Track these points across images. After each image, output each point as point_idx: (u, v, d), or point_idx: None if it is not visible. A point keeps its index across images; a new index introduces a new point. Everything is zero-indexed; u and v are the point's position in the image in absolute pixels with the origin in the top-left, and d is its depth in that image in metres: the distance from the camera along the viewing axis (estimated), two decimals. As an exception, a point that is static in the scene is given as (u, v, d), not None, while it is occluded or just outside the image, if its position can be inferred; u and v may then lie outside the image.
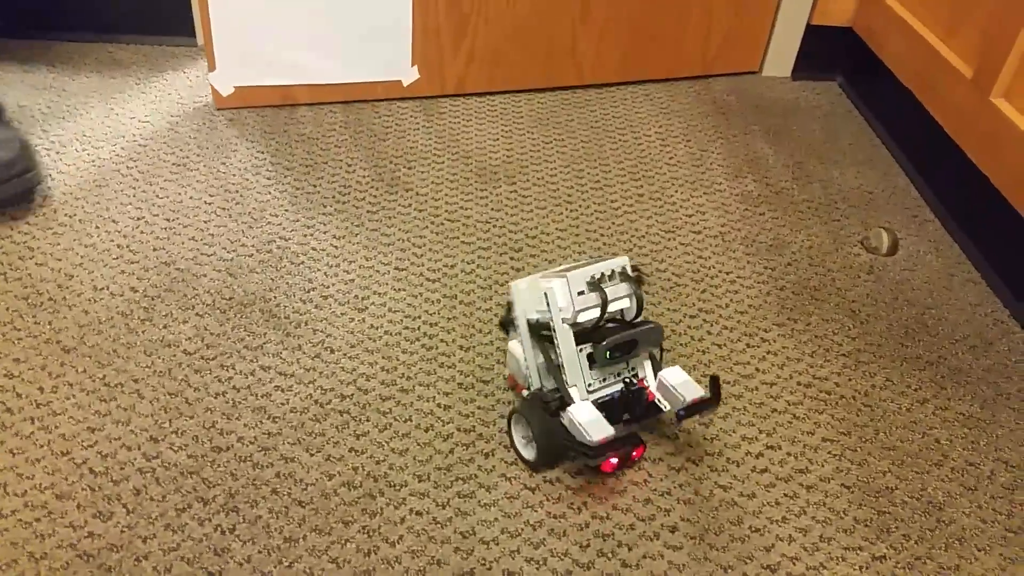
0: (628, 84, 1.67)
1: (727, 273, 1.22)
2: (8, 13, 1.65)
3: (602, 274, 0.87)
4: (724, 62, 1.72)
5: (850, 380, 1.06)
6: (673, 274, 1.21)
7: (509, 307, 0.97)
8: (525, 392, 0.93)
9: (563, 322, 0.85)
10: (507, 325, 0.96)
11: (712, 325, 1.13)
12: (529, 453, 0.90)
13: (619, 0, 1.52)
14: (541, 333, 0.89)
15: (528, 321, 0.88)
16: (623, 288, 0.88)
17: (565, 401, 0.87)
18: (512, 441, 0.92)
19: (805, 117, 1.63)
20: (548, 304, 0.85)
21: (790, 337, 1.12)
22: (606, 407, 0.89)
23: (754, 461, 0.95)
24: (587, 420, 0.84)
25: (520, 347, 0.90)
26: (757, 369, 1.06)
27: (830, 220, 1.35)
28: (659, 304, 1.15)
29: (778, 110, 1.65)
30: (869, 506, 0.91)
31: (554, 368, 0.89)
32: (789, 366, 1.07)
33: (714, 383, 0.91)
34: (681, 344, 1.09)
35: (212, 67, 1.43)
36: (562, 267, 0.94)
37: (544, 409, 0.87)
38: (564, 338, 0.85)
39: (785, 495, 0.91)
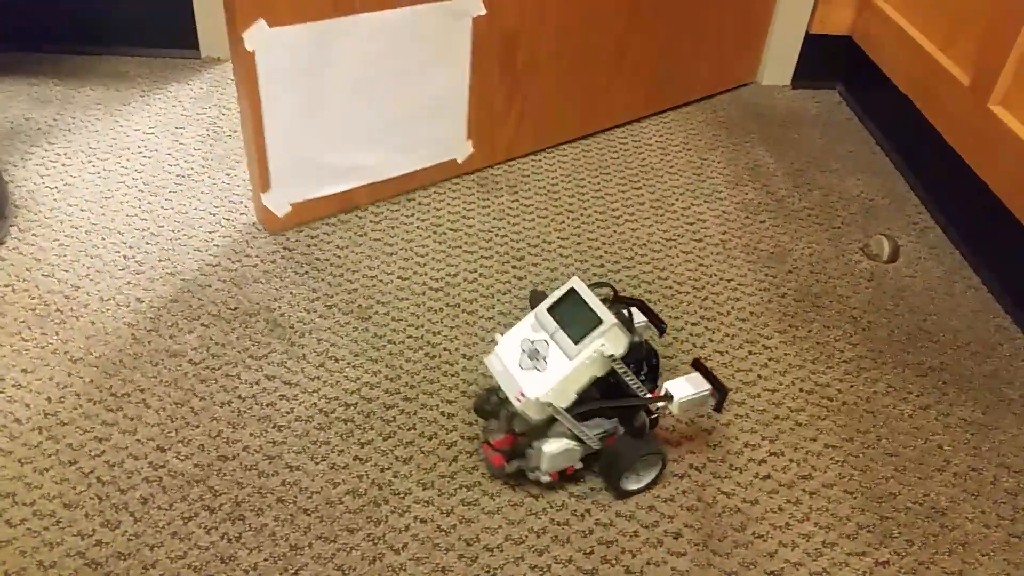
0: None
1: (728, 280, 1.23)
2: (13, 27, 1.66)
3: (602, 300, 0.89)
4: (728, 76, 1.73)
5: (852, 386, 1.07)
6: (674, 282, 1.22)
7: (522, 447, 0.91)
8: (578, 466, 0.91)
9: (620, 357, 0.85)
10: (519, 454, 0.91)
11: (714, 332, 1.13)
12: (645, 478, 0.91)
13: (648, 37, 1.52)
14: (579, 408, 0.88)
15: (568, 410, 0.86)
16: (600, 292, 0.92)
17: (650, 413, 0.91)
18: (630, 492, 0.91)
19: (805, 125, 1.64)
20: (613, 359, 0.84)
21: (792, 344, 1.12)
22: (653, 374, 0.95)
23: (757, 467, 0.95)
24: (692, 389, 0.88)
25: (562, 442, 0.88)
26: (759, 376, 1.07)
27: (831, 227, 1.36)
28: (660, 312, 1.16)
29: (778, 119, 1.66)
30: (872, 512, 0.91)
31: (611, 403, 0.89)
32: (791, 373, 1.08)
33: (639, 309, 0.96)
34: (683, 352, 1.10)
35: (265, 187, 1.22)
36: (505, 351, 0.91)
37: (644, 435, 0.91)
38: (626, 370, 0.86)
39: (788, 501, 0.91)
